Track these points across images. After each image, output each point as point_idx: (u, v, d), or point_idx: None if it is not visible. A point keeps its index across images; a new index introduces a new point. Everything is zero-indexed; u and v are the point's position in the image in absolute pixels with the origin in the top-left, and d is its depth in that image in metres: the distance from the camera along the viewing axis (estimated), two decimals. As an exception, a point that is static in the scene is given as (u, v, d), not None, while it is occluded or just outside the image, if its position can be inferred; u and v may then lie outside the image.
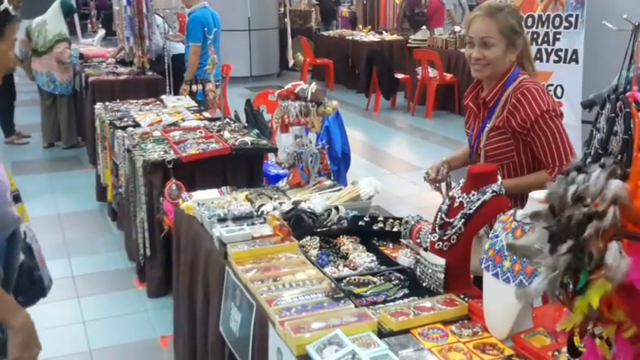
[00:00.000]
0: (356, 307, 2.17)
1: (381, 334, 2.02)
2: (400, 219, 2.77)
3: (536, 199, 1.98)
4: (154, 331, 4.05)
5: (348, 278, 2.38)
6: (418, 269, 2.37)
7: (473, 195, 2.24)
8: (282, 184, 3.45)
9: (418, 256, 2.43)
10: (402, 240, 2.70)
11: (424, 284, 2.32)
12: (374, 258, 2.56)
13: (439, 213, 2.33)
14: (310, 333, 1.99)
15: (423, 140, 9.05)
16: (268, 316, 2.18)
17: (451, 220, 2.26)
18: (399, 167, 7.76)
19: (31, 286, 2.15)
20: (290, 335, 1.98)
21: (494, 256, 2.02)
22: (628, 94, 1.04)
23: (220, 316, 2.65)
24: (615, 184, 0.97)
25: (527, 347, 1.92)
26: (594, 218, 0.95)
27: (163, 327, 4.01)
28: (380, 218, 2.81)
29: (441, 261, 2.24)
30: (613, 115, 1.07)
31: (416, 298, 2.25)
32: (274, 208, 2.99)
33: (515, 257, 1.94)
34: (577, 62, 4.46)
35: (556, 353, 1.87)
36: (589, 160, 1.17)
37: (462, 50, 10.36)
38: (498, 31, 2.54)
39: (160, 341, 3.93)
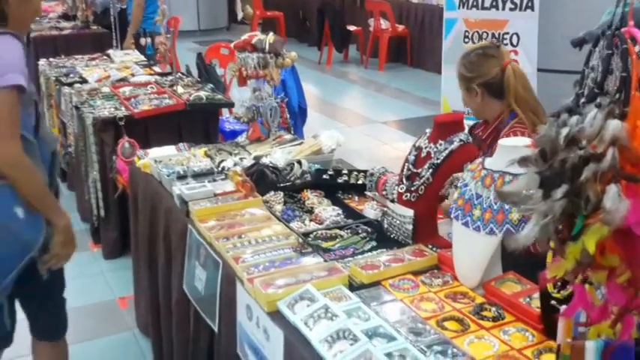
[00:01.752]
0: (325, 261, 2.13)
1: (352, 287, 2.00)
2: (364, 171, 2.74)
3: (506, 146, 1.96)
4: (112, 293, 3.96)
5: (315, 233, 2.34)
6: (385, 221, 2.34)
7: (440, 144, 2.21)
8: (241, 139, 3.36)
9: (385, 208, 2.40)
10: (368, 192, 2.67)
11: (392, 236, 2.31)
12: (340, 211, 2.52)
13: (406, 164, 2.30)
14: (281, 289, 1.95)
15: (377, 93, 9.02)
16: (236, 273, 2.13)
17: (418, 170, 2.24)
18: (355, 121, 7.72)
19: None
20: (260, 292, 1.94)
21: (464, 205, 2.00)
22: (624, 29, 1.01)
23: (184, 275, 2.59)
24: (614, 124, 0.93)
25: (498, 294, 1.92)
26: (591, 161, 0.92)
27: (121, 288, 3.93)
28: (344, 171, 2.77)
29: (409, 212, 2.21)
30: (609, 51, 1.04)
31: (384, 250, 2.23)
32: (235, 164, 2.92)
33: (485, 205, 1.93)
34: (532, 9, 4.44)
35: (527, 299, 1.88)
36: (582, 100, 1.13)
37: (414, 1, 10.28)
38: (459, 82, 2.61)
39: (119, 302, 3.85)
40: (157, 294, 2.99)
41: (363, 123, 7.53)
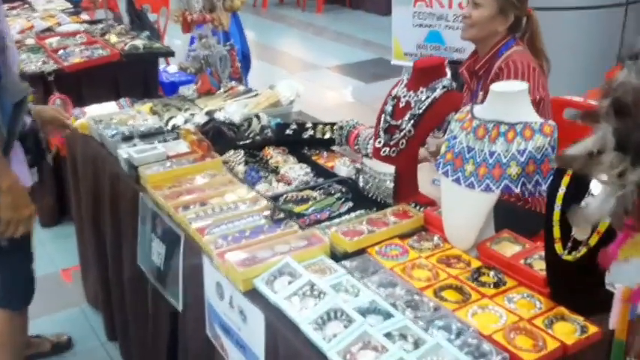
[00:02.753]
0: (301, 228, 1.92)
1: (335, 257, 1.80)
2: (331, 124, 2.51)
3: (498, 92, 1.76)
4: (54, 264, 3.65)
5: (285, 195, 2.11)
6: (361, 179, 2.14)
7: (421, 92, 2.00)
8: (188, 92, 3.06)
9: (359, 165, 2.19)
10: (337, 148, 2.45)
11: (370, 195, 2.10)
12: (308, 170, 2.29)
13: (383, 115, 2.08)
14: (256, 264, 1.73)
15: (316, 37, 8.70)
16: (201, 248, 1.89)
17: (398, 122, 2.02)
18: (297, 66, 7.42)
19: (36, 146, 2.29)
20: (233, 269, 1.71)
21: (454, 159, 1.81)
22: None
23: (137, 249, 2.33)
24: None
25: (496, 257, 1.75)
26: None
27: (63, 259, 3.62)
28: (308, 125, 2.53)
29: (390, 169, 2.01)
30: None
31: (363, 211, 2.03)
32: (186, 121, 2.63)
33: (478, 159, 1.74)
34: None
35: (529, 261, 1.72)
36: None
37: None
38: None
39: (62, 275, 3.56)
40: (107, 267, 2.73)
41: (307, 69, 7.24)
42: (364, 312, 1.56)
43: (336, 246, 1.82)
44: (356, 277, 1.69)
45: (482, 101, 2.15)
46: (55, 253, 3.74)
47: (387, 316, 1.55)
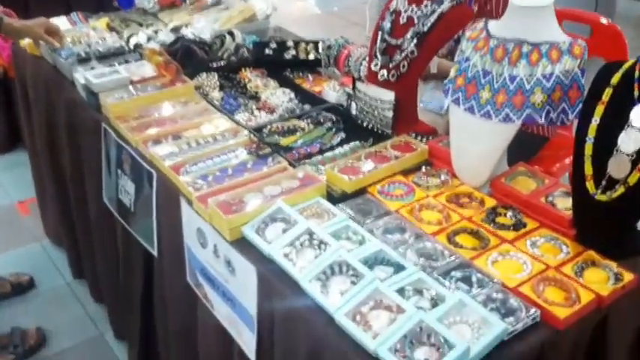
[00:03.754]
0: (291, 164, 1.69)
1: (332, 198, 1.59)
2: (315, 43, 2.23)
3: (519, 6, 1.52)
4: (8, 196, 3.38)
5: (269, 126, 1.88)
6: (354, 106, 1.90)
7: (425, 6, 1.75)
8: (149, 5, 2.72)
9: (351, 90, 1.95)
10: (323, 70, 2.19)
11: (364, 124, 1.88)
12: (292, 95, 2.05)
13: (380, 33, 1.83)
14: (244, 210, 1.51)
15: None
16: (178, 189, 1.66)
17: (398, 41, 1.78)
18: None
19: None
20: (218, 216, 1.49)
21: (466, 85, 1.59)
22: None
23: (103, 186, 2.09)
24: None
25: (513, 194, 1.57)
26: None
27: (19, 190, 3.35)
28: (289, 44, 2.25)
29: (389, 95, 1.78)
30: None
31: (357, 143, 1.81)
32: (150, 39, 2.33)
33: (496, 85, 1.52)
34: None
35: (550, 199, 1.54)
36: None
37: None
38: None
39: (19, 207, 3.29)
40: (68, 202, 2.48)
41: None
42: (371, 263, 1.37)
43: (332, 186, 1.61)
44: (358, 223, 1.49)
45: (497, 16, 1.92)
46: (9, 184, 3.46)
47: (398, 268, 1.36)
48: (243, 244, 1.48)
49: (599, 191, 1.38)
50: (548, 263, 1.38)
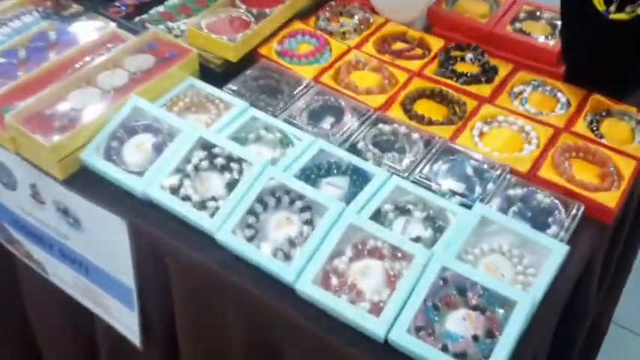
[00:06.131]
0: (117, 23, 1.04)
1: (211, 75, 0.99)
2: None
3: None
4: None
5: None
6: None
7: None
8: None
9: None
10: None
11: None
12: None
13: None
14: (77, 122, 0.87)
15: None
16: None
17: None
18: None
19: None
20: (32, 142, 0.84)
21: None
22: None
23: None
24: None
25: (466, 25, 1.10)
26: None
27: None
28: None
29: None
30: None
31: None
32: None
33: None
34: None
35: (517, 25, 1.08)
36: None
37: None
38: None
39: None
40: None
41: None
42: (315, 176, 0.85)
43: (206, 56, 1.00)
44: (266, 110, 0.93)
45: None
46: None
47: (358, 175, 0.86)
48: (86, 180, 0.86)
49: (613, 8, 0.95)
50: (554, 124, 0.95)
